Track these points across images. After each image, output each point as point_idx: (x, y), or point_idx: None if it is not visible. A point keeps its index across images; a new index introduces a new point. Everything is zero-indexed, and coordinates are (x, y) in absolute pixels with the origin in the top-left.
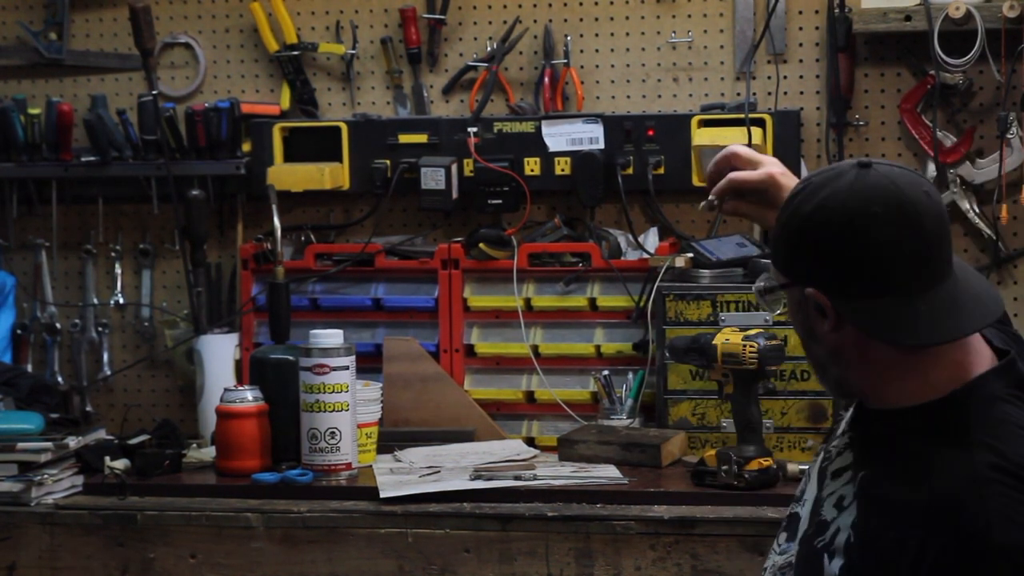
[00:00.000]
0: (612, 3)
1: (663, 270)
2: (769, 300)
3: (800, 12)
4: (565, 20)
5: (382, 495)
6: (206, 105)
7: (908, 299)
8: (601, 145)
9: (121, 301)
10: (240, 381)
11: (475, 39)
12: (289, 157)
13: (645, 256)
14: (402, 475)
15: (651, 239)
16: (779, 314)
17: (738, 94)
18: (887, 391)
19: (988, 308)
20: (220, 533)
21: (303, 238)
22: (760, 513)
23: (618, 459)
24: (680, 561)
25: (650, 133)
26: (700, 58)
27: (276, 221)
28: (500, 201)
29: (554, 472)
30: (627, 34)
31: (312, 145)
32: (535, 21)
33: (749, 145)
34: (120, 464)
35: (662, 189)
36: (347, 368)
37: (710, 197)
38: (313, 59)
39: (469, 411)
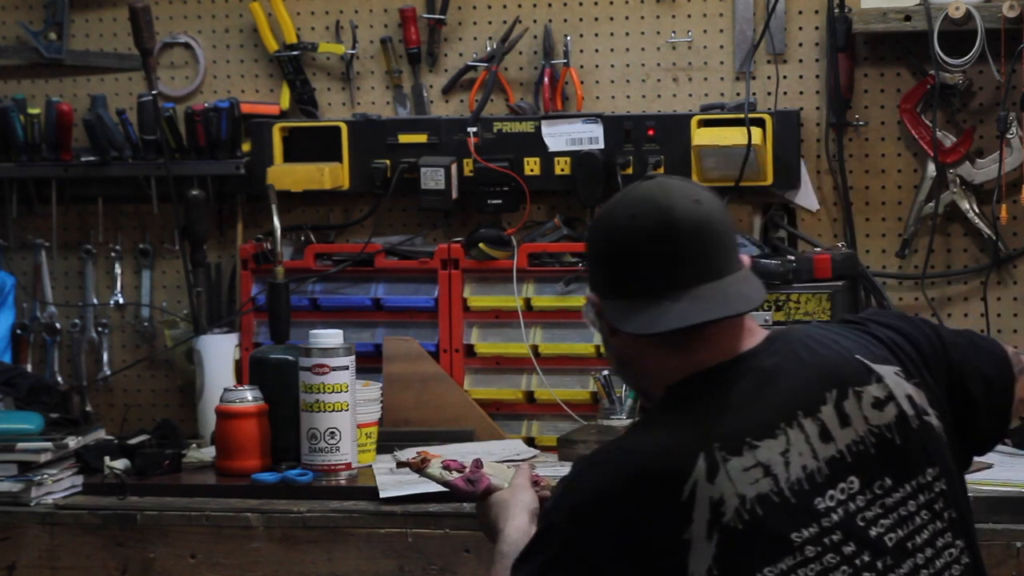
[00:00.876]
0: (612, 3)
1: None
2: (589, 319)
3: (800, 12)
4: (565, 20)
5: (382, 495)
6: (206, 105)
7: (658, 298)
8: (601, 145)
9: (121, 301)
10: (240, 381)
11: (475, 39)
12: (289, 157)
13: None
14: (402, 475)
15: None
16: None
17: (738, 94)
18: (654, 397)
19: (719, 305)
20: (220, 533)
21: (303, 238)
22: None
23: None
24: None
25: (650, 133)
26: (700, 58)
27: (276, 221)
28: (500, 201)
29: (554, 472)
30: (627, 34)
31: (312, 145)
32: (535, 21)
33: (749, 144)
34: (120, 464)
35: None
36: (347, 368)
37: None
38: (313, 59)
39: (469, 411)
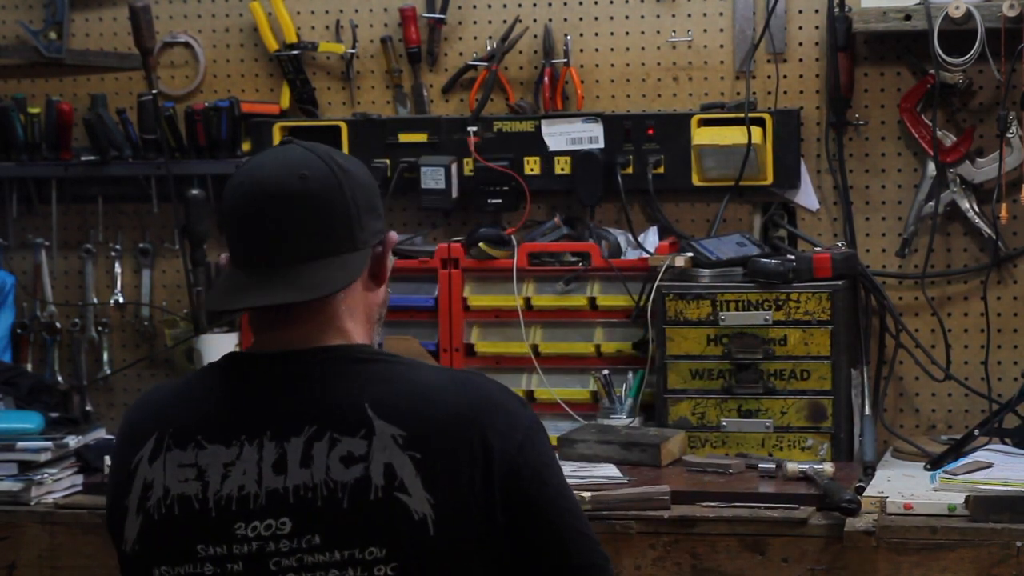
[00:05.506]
0: (612, 3)
1: (663, 269)
2: None
3: (800, 11)
4: (565, 19)
5: None
6: (206, 104)
7: (236, 272)
8: (601, 144)
9: (121, 300)
10: None
11: (475, 38)
12: None
13: (645, 255)
14: None
15: (651, 238)
16: None
17: (738, 93)
18: None
19: (261, 294)
20: None
21: None
22: (760, 513)
23: (618, 458)
24: (680, 561)
25: (650, 132)
26: (700, 57)
27: None
28: (500, 200)
29: None
30: (627, 34)
31: None
32: (535, 20)
33: (749, 144)
34: None
35: (662, 188)
36: None
37: None
38: (313, 58)
39: None
